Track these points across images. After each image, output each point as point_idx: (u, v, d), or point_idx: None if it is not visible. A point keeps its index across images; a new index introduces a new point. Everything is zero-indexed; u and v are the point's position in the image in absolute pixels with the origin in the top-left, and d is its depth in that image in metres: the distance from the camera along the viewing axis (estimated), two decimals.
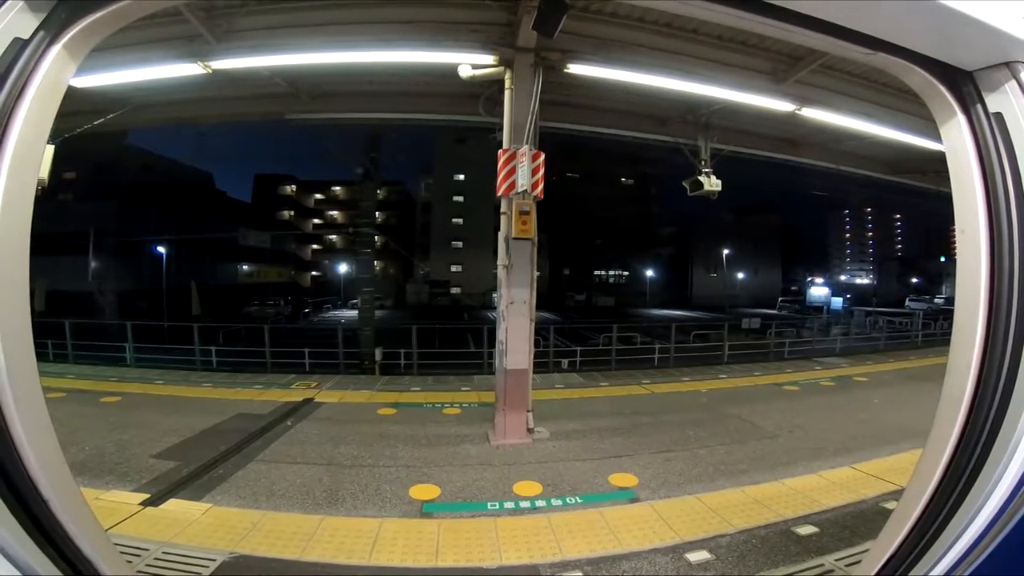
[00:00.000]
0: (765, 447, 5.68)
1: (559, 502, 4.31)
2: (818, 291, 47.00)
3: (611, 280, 60.15)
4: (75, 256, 28.69)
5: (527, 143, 5.64)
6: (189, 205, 36.99)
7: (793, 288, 58.97)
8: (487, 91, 6.87)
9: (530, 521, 3.99)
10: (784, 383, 9.02)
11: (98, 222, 29.92)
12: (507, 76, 5.98)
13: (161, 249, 33.30)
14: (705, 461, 5.21)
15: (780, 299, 49.63)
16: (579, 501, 4.34)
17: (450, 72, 6.05)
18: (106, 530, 3.64)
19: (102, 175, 32.51)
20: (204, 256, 37.25)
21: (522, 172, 5.50)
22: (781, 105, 7.17)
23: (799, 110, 7.29)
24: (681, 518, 4.03)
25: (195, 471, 4.63)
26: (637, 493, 4.47)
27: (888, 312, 29.56)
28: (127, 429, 5.79)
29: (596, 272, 59.10)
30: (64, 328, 11.95)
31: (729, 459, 5.28)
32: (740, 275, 56.71)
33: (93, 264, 29.92)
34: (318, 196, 60.27)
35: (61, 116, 1.41)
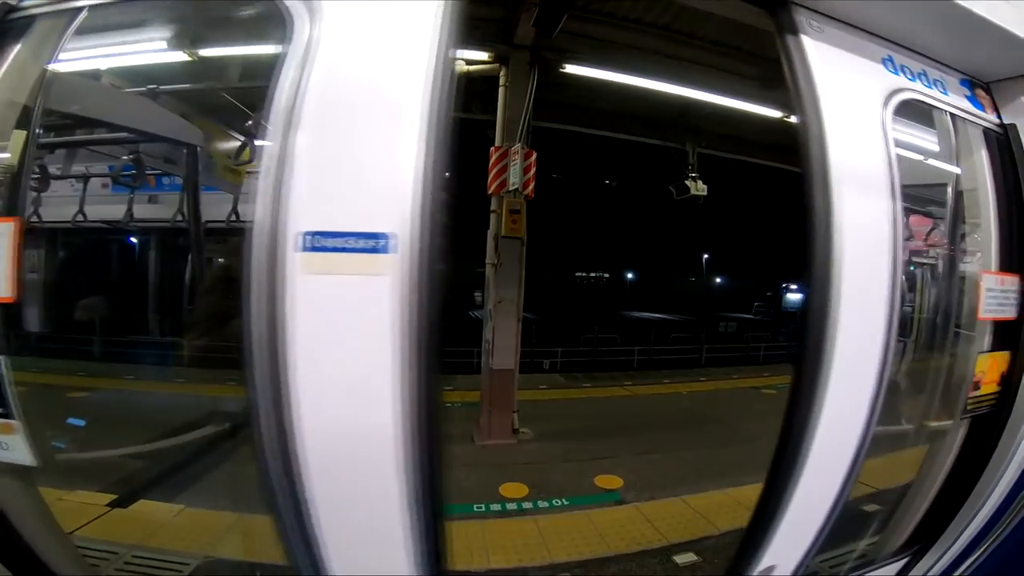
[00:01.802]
0: (746, 450, 5.68)
1: (546, 504, 4.27)
2: (794, 296, 47.95)
3: (592, 282, 60.45)
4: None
5: (520, 141, 5.59)
6: None
7: (768, 293, 59.94)
8: (480, 88, 6.80)
9: (517, 524, 3.94)
10: (762, 387, 9.12)
11: None
12: (502, 73, 5.91)
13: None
14: (688, 463, 5.22)
15: (756, 304, 50.40)
16: (565, 503, 4.30)
17: None
18: (69, 533, 3.49)
19: None
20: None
21: (514, 170, 5.45)
22: (770, 111, 7.23)
23: (787, 117, 7.36)
24: (667, 520, 4.03)
25: (166, 471, 4.44)
26: (622, 495, 4.46)
27: None
28: (94, 425, 5.54)
29: (577, 274, 59.30)
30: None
31: (711, 461, 5.30)
32: (718, 279, 57.55)
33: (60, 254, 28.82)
34: None
35: None
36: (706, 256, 55.03)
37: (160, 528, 3.56)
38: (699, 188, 8.39)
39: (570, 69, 6.02)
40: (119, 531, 3.46)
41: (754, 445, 5.80)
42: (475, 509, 4.11)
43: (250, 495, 4.03)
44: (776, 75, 5.41)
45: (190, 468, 4.56)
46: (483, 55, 5.83)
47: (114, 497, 3.89)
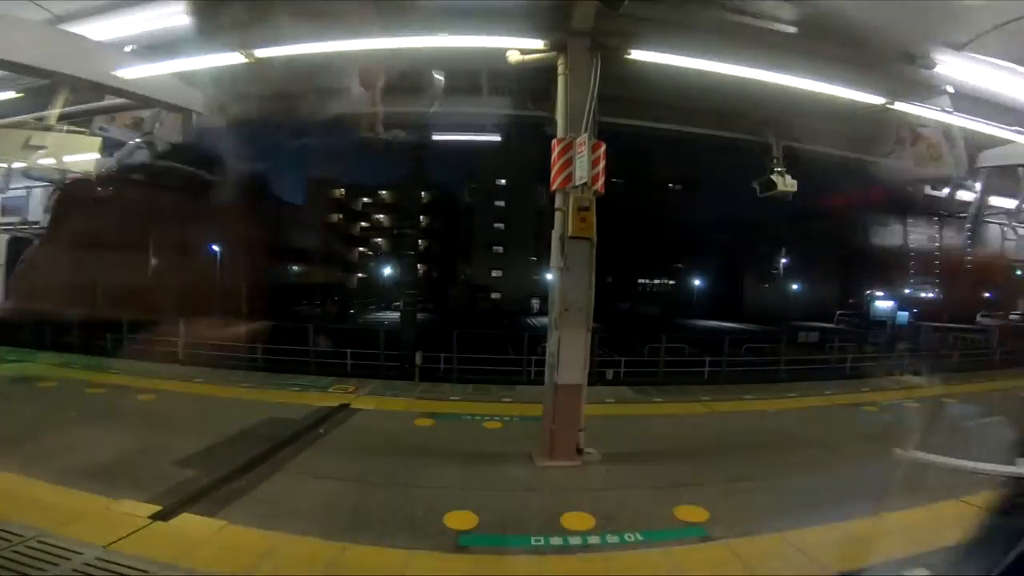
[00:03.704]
0: (853, 475, 4.87)
1: (616, 539, 3.69)
2: (883, 304, 43.87)
3: (656, 289, 58.44)
4: (136, 254, 29.98)
5: (585, 132, 5.09)
6: (245, 206, 38.12)
7: (851, 300, 55.62)
8: (534, 83, 6.43)
9: (581, 562, 3.42)
10: (862, 403, 8.04)
11: (159, 222, 31.11)
12: (560, 62, 5.47)
13: (215, 248, 34.40)
14: (786, 492, 4.51)
15: (838, 312, 46.79)
16: (640, 538, 3.71)
17: (496, 65, 5.67)
18: (106, 546, 3.35)
19: (164, 174, 33.92)
20: (257, 255, 38.23)
21: (580, 163, 4.96)
22: (868, 97, 6.31)
23: (891, 104, 6.39)
24: (765, 560, 3.39)
25: (215, 481, 4.27)
26: (709, 530, 3.81)
27: (958, 328, 27.36)
28: (155, 430, 5.56)
29: (640, 280, 57.50)
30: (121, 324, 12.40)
31: (814, 489, 4.57)
32: (794, 286, 53.82)
33: (153, 262, 31.18)
34: (365, 199, 61.55)
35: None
36: (783, 261, 51.61)
37: (198, 546, 3.32)
38: (788, 184, 7.51)
39: (636, 55, 5.46)
40: (156, 547, 3.25)
41: (866, 471, 4.98)
42: (532, 542, 3.61)
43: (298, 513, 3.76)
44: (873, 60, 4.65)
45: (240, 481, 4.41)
46: (538, 43, 5.42)
47: (158, 509, 3.75)
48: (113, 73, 5.81)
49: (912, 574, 3.20)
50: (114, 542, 3.26)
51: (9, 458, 4.40)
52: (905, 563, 3.32)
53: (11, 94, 6.51)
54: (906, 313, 38.75)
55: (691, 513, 4.06)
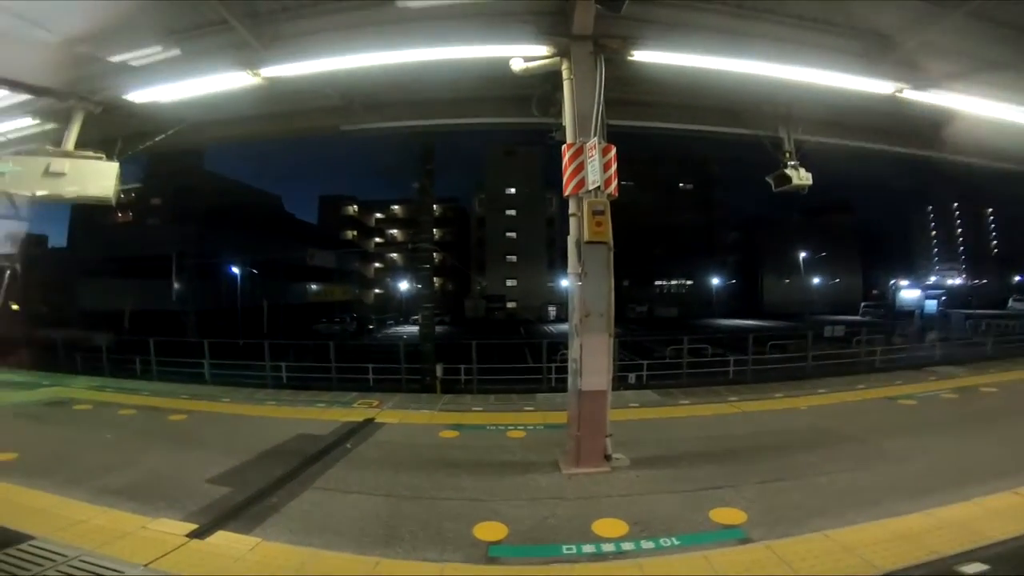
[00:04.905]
0: (897, 472, 4.77)
1: (651, 544, 3.63)
2: (909, 294, 42.75)
3: (673, 290, 58.00)
4: (159, 279, 30.91)
5: (595, 135, 5.08)
6: (261, 227, 39.02)
7: (875, 292, 54.56)
8: (538, 91, 6.45)
9: (616, 568, 3.36)
10: (897, 396, 7.81)
11: (179, 245, 32.10)
12: (564, 67, 5.49)
13: (236, 270, 35.14)
14: (826, 490, 4.39)
15: (863, 304, 45.88)
16: (676, 543, 3.64)
17: (500, 75, 5.71)
18: (146, 564, 3.40)
19: (183, 201, 35.10)
20: (276, 276, 38.95)
21: (592, 167, 4.95)
22: (876, 87, 6.19)
23: (900, 92, 6.27)
24: (808, 561, 3.29)
25: (248, 499, 4.31)
26: (747, 532, 3.73)
27: (990, 314, 26.68)
28: (187, 450, 5.64)
29: (657, 282, 57.13)
30: (149, 346, 12.83)
31: (856, 487, 4.44)
32: (815, 280, 52.85)
33: (175, 285, 32.08)
34: (378, 215, 62.51)
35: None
36: (803, 255, 50.72)
37: (234, 563, 3.35)
38: (802, 177, 7.40)
39: (639, 56, 5.47)
40: (194, 565, 3.29)
41: (906, 465, 4.85)
42: (564, 551, 3.56)
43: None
44: (877, 48, 4.56)
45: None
46: (542, 49, 5.45)
47: (194, 527, 3.80)
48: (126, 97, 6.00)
49: (969, 570, 3.11)
50: (154, 560, 3.31)
51: None
52: (961, 558, 3.24)
53: (27, 120, 6.68)
54: (934, 302, 37.72)
55: (728, 516, 3.98)
